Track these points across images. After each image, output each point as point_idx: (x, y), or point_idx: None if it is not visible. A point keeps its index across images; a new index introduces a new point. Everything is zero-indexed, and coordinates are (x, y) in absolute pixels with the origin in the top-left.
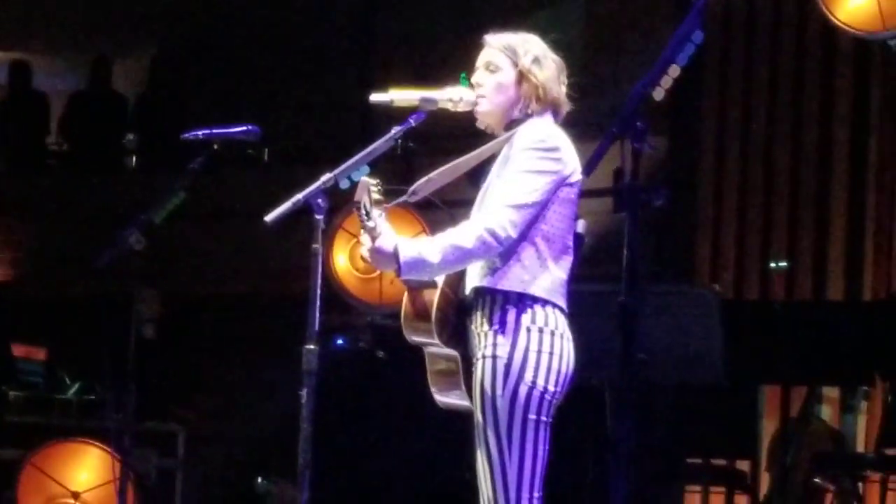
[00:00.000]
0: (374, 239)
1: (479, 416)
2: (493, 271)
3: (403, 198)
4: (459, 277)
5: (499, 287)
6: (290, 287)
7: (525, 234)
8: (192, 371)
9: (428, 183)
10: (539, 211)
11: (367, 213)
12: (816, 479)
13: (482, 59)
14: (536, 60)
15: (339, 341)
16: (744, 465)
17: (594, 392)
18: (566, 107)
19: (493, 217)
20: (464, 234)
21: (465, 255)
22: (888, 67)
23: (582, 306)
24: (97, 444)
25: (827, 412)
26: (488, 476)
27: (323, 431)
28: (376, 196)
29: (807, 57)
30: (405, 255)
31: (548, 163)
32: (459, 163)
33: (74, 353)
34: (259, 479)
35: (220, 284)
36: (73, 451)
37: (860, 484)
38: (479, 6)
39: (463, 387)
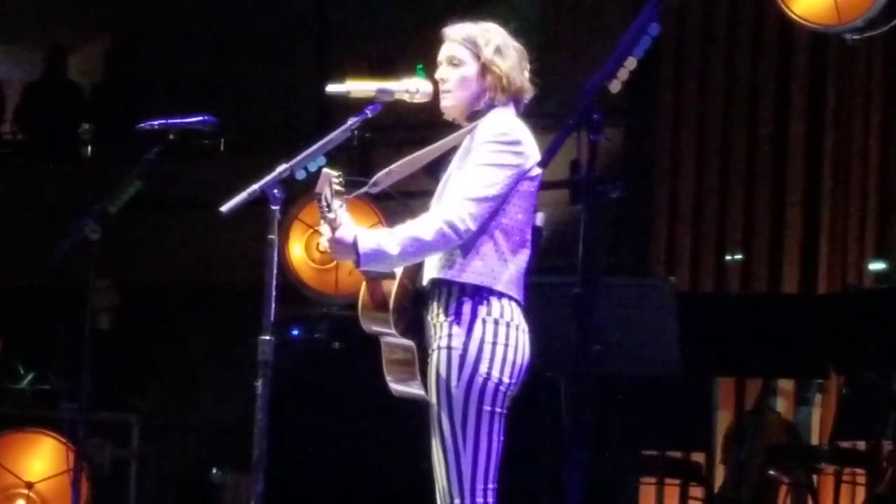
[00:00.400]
0: (333, 230)
1: (434, 406)
2: (450, 263)
3: (364, 189)
4: (417, 269)
5: (456, 279)
6: (245, 277)
7: (484, 227)
8: (147, 361)
9: (388, 175)
10: (499, 204)
11: (328, 205)
12: (771, 472)
13: (443, 53)
14: (498, 50)
15: (295, 332)
16: (699, 458)
17: (550, 383)
18: (529, 93)
19: (452, 210)
20: (423, 226)
21: (424, 248)
22: (844, 61)
23: (538, 298)
24: (51, 434)
25: (781, 405)
26: (443, 467)
27: (278, 422)
28: (337, 187)
29: (763, 50)
30: (364, 246)
31: (509, 156)
32: (420, 154)
33: (29, 342)
34: (214, 470)
35: (176, 275)
36: (27, 440)
37: (814, 476)
38: None
39: (419, 377)
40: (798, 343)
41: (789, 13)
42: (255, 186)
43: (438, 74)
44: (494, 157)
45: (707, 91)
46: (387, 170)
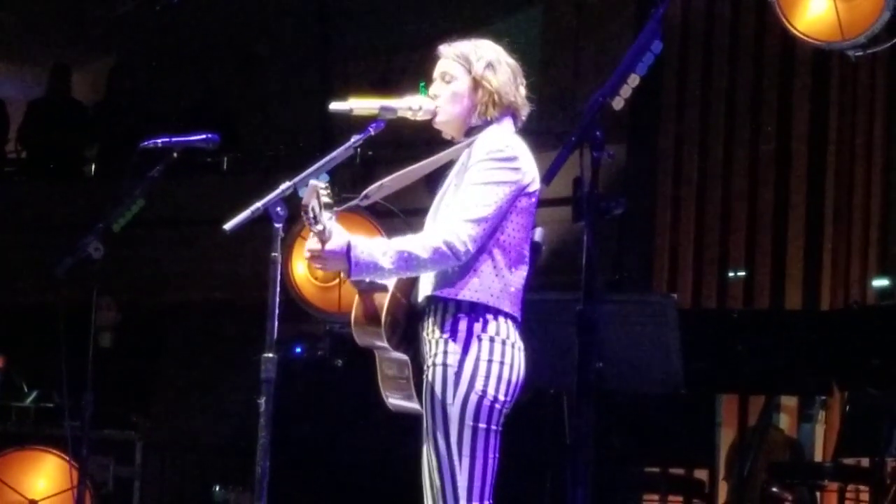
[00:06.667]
0: (323, 242)
1: (428, 423)
2: (446, 280)
3: (355, 202)
4: (411, 282)
5: (452, 296)
6: (248, 295)
7: (482, 245)
8: (150, 379)
9: (380, 188)
10: (497, 222)
11: (315, 217)
12: (774, 489)
13: (437, 70)
14: (490, 66)
15: (298, 349)
16: (702, 475)
17: (552, 400)
18: (525, 109)
19: (452, 231)
20: (421, 243)
21: (419, 265)
22: (847, 78)
23: (540, 315)
24: (54, 451)
25: (785, 421)
26: (438, 484)
27: (281, 439)
28: (326, 199)
29: (765, 66)
30: (357, 256)
31: (506, 173)
32: (413, 169)
33: (32, 360)
34: (216, 487)
35: (178, 292)
36: (31, 458)
37: (818, 493)
38: (438, 15)
39: (413, 391)
40: (801, 360)
41: (792, 29)
42: (259, 204)
43: (432, 90)
44: (491, 174)
45: (709, 108)
46: (378, 183)
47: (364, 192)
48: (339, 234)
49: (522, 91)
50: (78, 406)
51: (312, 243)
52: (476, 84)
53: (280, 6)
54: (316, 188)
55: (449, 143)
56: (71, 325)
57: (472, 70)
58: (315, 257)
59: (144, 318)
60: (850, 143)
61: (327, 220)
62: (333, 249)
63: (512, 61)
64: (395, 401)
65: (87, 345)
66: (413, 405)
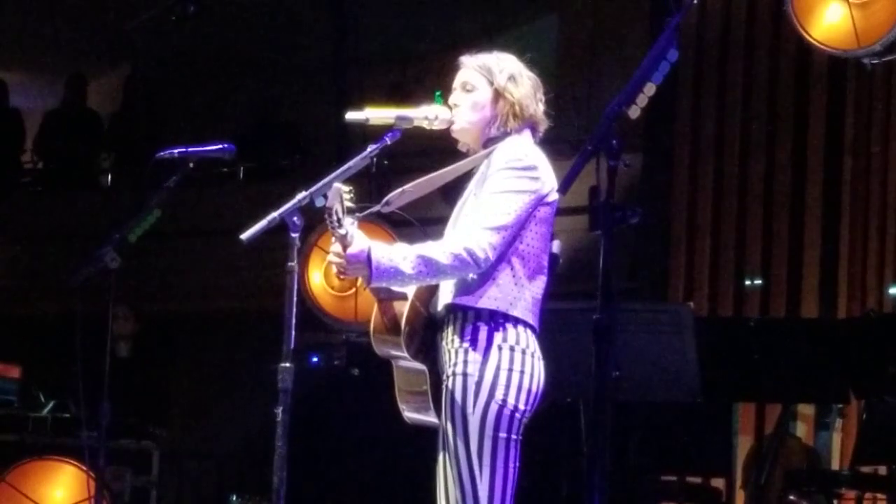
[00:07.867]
0: (345, 247)
1: (449, 433)
2: (466, 289)
3: (377, 208)
4: (431, 292)
5: (471, 304)
6: (265, 305)
7: (501, 254)
8: (167, 389)
9: (402, 195)
10: (516, 230)
11: (339, 221)
12: (791, 497)
13: (458, 79)
14: (512, 78)
15: (315, 359)
16: (718, 483)
17: (569, 409)
18: (544, 123)
19: (472, 238)
20: (441, 250)
21: (439, 272)
22: (862, 86)
23: (557, 324)
24: (72, 461)
25: (801, 429)
26: (457, 494)
27: (297, 449)
28: (349, 204)
29: (781, 75)
30: (378, 261)
31: (525, 182)
32: (435, 176)
33: (49, 370)
34: (233, 497)
35: (195, 302)
36: (48, 468)
37: (835, 501)
38: (454, 24)
39: (430, 402)
40: (818, 368)
41: (808, 37)
42: (275, 214)
43: (451, 100)
44: (511, 183)
45: (725, 116)
46: (400, 190)
47: (385, 199)
48: (361, 239)
49: (541, 106)
50: (95, 416)
51: (335, 248)
52: (497, 95)
53: (295, 16)
54: (340, 191)
55: (465, 154)
56: (88, 336)
57: (495, 81)
58: (337, 263)
59: (161, 327)
60: (866, 151)
61: (349, 224)
62: (355, 254)
63: (533, 75)
64: (412, 414)
65: (104, 355)
66: (429, 418)
